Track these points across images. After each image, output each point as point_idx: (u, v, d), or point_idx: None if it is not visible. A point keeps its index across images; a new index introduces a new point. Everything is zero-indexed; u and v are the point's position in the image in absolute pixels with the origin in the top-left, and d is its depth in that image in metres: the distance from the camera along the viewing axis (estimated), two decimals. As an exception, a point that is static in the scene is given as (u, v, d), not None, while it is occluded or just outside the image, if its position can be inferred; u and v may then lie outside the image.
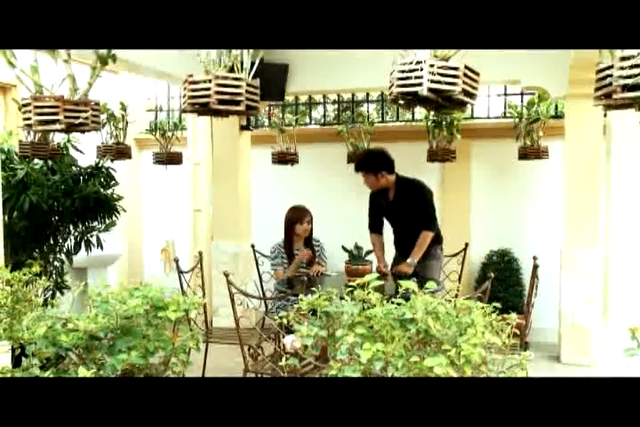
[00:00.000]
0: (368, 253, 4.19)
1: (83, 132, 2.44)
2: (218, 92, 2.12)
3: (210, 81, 2.13)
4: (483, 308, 1.95)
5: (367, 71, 5.16)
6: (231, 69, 2.26)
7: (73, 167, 4.71)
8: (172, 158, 5.54)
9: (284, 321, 2.00)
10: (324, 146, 6.15)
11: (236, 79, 2.15)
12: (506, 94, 5.95)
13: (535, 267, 3.67)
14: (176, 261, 4.04)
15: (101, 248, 4.59)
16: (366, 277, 2.03)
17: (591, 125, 4.75)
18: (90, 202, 4.43)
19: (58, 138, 4.61)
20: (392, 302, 1.96)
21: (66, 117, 2.33)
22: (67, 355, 2.02)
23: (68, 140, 4.81)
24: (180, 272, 4.02)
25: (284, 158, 5.87)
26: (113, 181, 4.72)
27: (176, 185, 6.71)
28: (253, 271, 5.30)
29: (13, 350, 2.24)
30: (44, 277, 2.50)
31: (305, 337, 1.76)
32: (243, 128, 5.57)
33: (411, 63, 1.92)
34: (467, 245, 4.94)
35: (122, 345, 1.98)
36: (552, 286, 4.86)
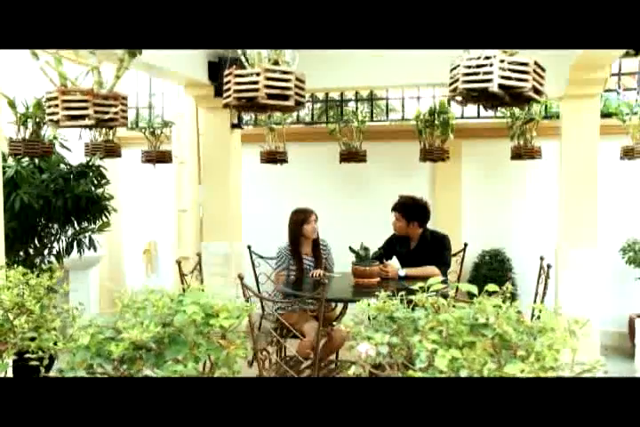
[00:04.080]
0: (375, 254, 4.10)
1: (111, 127, 2.31)
2: (267, 86, 2.01)
3: (258, 74, 2.02)
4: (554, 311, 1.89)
5: (356, 71, 5.11)
6: (275, 63, 2.15)
7: (61, 165, 4.51)
8: (161, 157, 5.37)
9: (343, 328, 1.90)
10: (313, 145, 6.07)
11: (285, 73, 2.05)
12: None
13: (548, 267, 3.66)
14: (178, 262, 3.88)
15: (94, 250, 4.40)
16: (429, 280, 1.94)
17: (588, 126, 4.76)
18: (82, 202, 4.24)
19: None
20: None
21: (95, 112, 2.19)
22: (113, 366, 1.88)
23: (55, 137, 4.60)
24: (182, 275, 3.87)
25: (273, 157, 5.77)
26: (104, 180, 4.54)
27: (158, 184, 6.53)
28: (245, 272, 5.16)
29: (41, 360, 2.08)
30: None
31: (380, 345, 1.67)
32: (234, 126, 5.43)
33: (478, 58, 1.84)
34: (466, 245, 4.91)
35: (171, 355, 1.85)
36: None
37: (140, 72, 5.51)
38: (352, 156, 5.64)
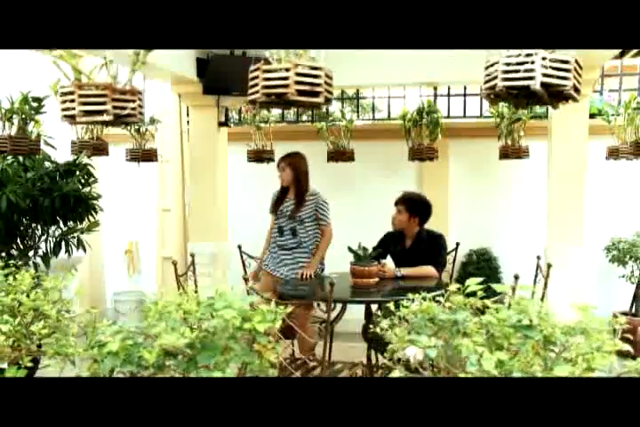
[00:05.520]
0: (373, 253, 4.05)
1: (127, 124, 2.21)
2: (297, 82, 1.95)
3: (288, 70, 1.96)
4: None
5: (343, 70, 5.03)
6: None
7: (47, 163, 4.36)
8: (147, 155, 5.24)
9: (377, 330, 1.86)
10: (300, 144, 5.98)
11: (315, 68, 1.99)
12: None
13: (548, 266, 3.66)
14: (174, 264, 3.78)
15: (84, 250, 4.27)
16: (468, 281, 1.91)
17: (577, 126, 4.80)
18: (70, 201, 4.10)
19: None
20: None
21: (114, 108, 2.10)
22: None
23: (38, 135, 4.44)
24: (178, 276, 3.77)
25: (259, 156, 5.70)
26: (92, 179, 4.40)
27: (140, 183, 6.38)
28: (234, 273, 5.08)
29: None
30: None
31: (427, 348, 1.62)
32: (220, 124, 5.33)
33: (519, 55, 1.81)
34: (458, 244, 4.90)
35: (203, 361, 1.78)
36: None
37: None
38: (339, 155, 5.61)
